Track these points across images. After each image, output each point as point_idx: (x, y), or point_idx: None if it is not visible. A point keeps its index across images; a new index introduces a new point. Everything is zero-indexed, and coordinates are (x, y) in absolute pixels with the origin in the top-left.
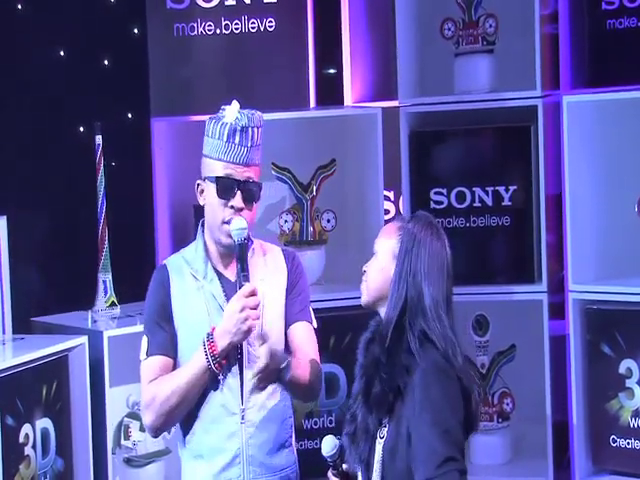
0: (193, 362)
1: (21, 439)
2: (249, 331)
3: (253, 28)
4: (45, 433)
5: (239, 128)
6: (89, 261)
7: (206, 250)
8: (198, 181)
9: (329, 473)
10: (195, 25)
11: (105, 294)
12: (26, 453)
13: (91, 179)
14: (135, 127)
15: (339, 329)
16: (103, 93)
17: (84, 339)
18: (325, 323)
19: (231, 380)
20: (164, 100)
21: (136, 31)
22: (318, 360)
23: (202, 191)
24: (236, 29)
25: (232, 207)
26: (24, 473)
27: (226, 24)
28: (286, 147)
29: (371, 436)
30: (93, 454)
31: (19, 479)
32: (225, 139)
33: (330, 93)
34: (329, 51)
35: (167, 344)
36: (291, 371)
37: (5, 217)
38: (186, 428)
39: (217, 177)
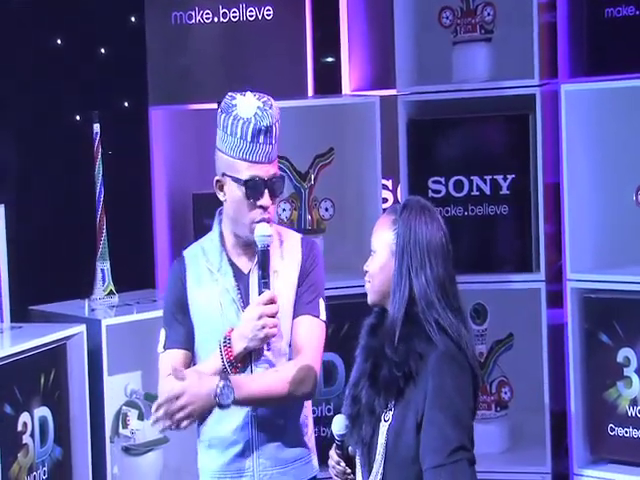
0: (209, 363)
1: (19, 427)
2: (266, 338)
3: (251, 16)
4: (43, 422)
5: (264, 128)
6: (87, 250)
7: (222, 241)
8: (217, 177)
9: (332, 452)
10: (193, 13)
11: (103, 283)
12: (24, 442)
13: (89, 168)
14: (133, 116)
15: (337, 318)
16: (101, 82)
17: (82, 328)
18: None
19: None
20: (162, 88)
21: (134, 19)
22: (315, 359)
23: (222, 187)
24: (234, 17)
25: (261, 206)
26: (22, 461)
27: (224, 12)
28: (284, 136)
29: (376, 418)
30: (91, 443)
31: (17, 467)
32: (250, 139)
33: (328, 82)
34: (327, 40)
35: (184, 337)
36: (231, 395)
37: (3, 205)
38: (203, 420)
39: (246, 180)
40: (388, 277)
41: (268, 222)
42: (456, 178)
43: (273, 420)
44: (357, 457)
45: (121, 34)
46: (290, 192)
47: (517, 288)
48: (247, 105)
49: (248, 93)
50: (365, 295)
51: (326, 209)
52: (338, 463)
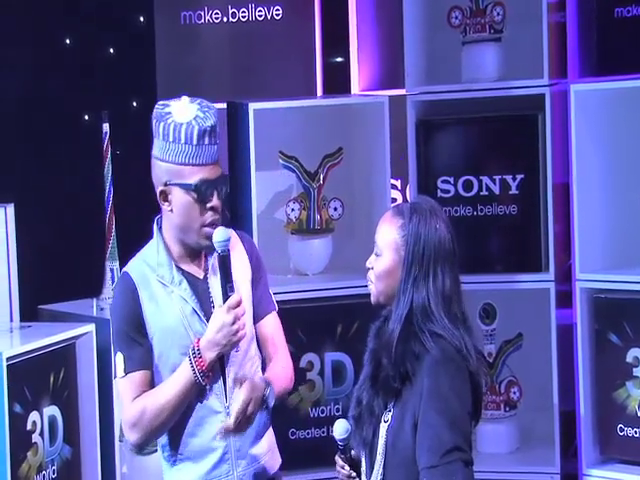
0: (179, 376)
1: (29, 426)
2: (238, 341)
3: (260, 16)
4: (53, 420)
5: (209, 129)
6: (96, 249)
7: (168, 252)
8: (161, 188)
9: (337, 457)
10: (202, 13)
11: (112, 282)
12: (34, 440)
13: (98, 167)
14: (142, 115)
15: (346, 318)
16: (110, 81)
17: (91, 327)
18: (332, 312)
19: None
20: (170, 88)
21: (142, 19)
22: (287, 351)
23: (166, 197)
24: (243, 17)
25: (211, 208)
26: (32, 460)
27: (233, 12)
28: (293, 135)
29: (376, 419)
30: (100, 442)
31: (26, 466)
32: (195, 142)
33: (337, 81)
34: (336, 39)
35: (144, 358)
36: (274, 396)
37: (13, 205)
38: (171, 435)
39: (195, 184)
40: (394, 281)
41: (218, 224)
42: (465, 178)
43: None
44: (363, 458)
45: (130, 34)
46: (299, 192)
47: (526, 288)
48: (184, 109)
49: (183, 97)
50: None
51: (335, 209)
52: (342, 467)
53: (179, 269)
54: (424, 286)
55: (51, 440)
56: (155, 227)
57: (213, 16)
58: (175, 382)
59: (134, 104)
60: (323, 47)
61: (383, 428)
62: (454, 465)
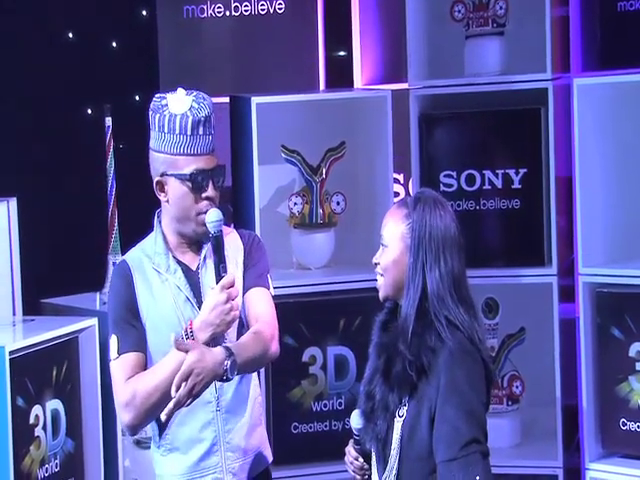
0: (172, 358)
1: (31, 420)
2: (232, 322)
3: (263, 10)
4: (55, 414)
5: (203, 119)
6: (99, 243)
7: (165, 242)
8: (157, 179)
9: (349, 447)
10: (205, 7)
11: None
12: (36, 434)
13: (101, 161)
14: (144, 109)
15: (348, 311)
16: (112, 75)
17: (94, 321)
18: (334, 305)
19: None
20: (173, 82)
21: (145, 13)
22: (274, 324)
23: (163, 188)
24: (246, 11)
25: (207, 198)
26: (34, 454)
27: (236, 6)
28: (296, 129)
29: (390, 414)
30: (103, 435)
31: (29, 460)
32: (190, 132)
33: (340, 75)
34: (339, 33)
35: (138, 341)
36: (236, 368)
37: (15, 199)
38: (161, 424)
39: (190, 174)
40: (401, 271)
41: None
42: (468, 172)
43: (236, 411)
44: (372, 453)
45: (133, 28)
46: (302, 186)
47: (529, 282)
48: (180, 101)
49: (179, 89)
50: (376, 289)
51: (337, 203)
52: (356, 459)
53: (175, 259)
54: (435, 269)
55: (54, 434)
56: (155, 220)
57: (216, 10)
58: (168, 363)
59: (137, 98)
60: (326, 41)
61: (398, 423)
62: (472, 457)
